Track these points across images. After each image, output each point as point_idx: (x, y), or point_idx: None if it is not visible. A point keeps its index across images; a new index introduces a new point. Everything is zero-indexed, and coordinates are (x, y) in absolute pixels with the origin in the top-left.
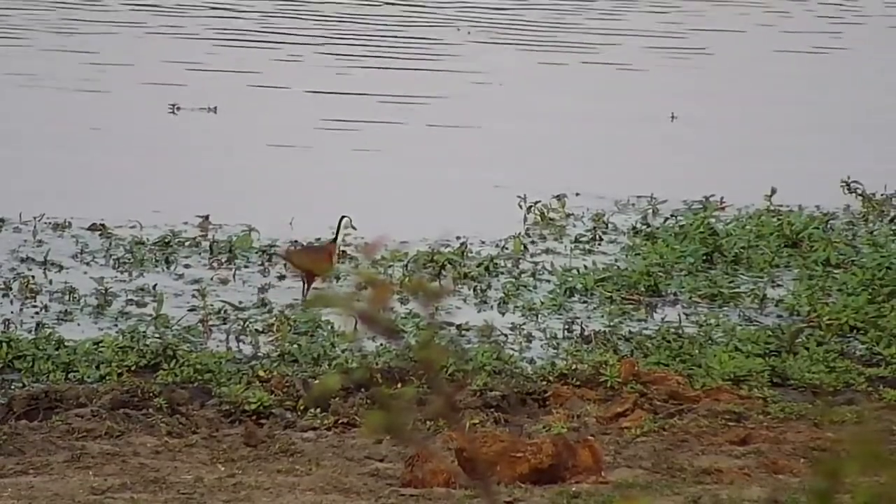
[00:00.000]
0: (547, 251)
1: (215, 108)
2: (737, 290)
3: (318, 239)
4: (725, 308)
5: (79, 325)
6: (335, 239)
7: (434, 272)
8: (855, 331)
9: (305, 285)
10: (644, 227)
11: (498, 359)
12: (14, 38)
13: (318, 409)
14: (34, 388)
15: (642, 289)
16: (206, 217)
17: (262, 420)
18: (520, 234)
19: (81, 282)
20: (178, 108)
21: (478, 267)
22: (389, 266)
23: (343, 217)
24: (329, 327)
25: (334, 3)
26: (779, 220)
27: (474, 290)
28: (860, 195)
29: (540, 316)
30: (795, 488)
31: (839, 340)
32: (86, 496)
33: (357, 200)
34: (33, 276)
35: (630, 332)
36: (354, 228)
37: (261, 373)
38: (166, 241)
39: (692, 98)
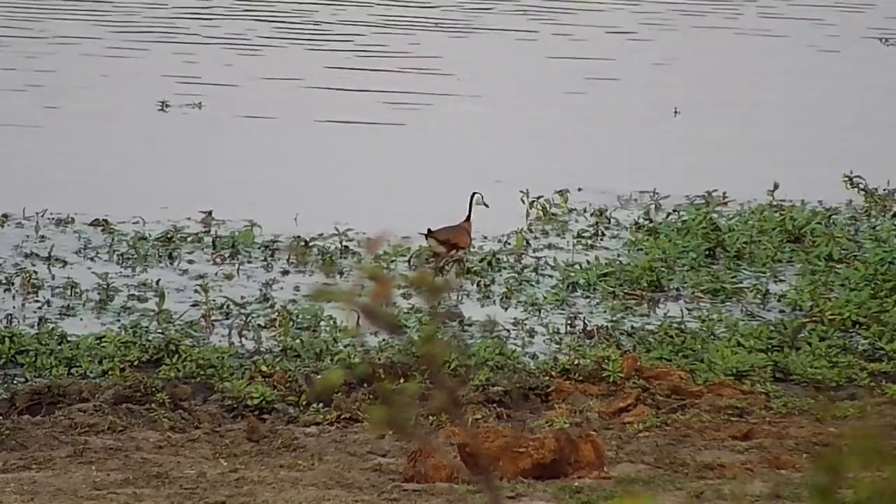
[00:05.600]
0: (549, 246)
1: (200, 103)
2: (739, 285)
3: (321, 234)
4: (728, 303)
5: (81, 320)
6: (469, 216)
7: (437, 267)
8: (857, 326)
9: (445, 259)
10: (646, 222)
11: (500, 354)
12: None
13: (321, 405)
14: (37, 383)
15: (644, 284)
16: (209, 213)
17: (265, 415)
18: (522, 229)
19: (84, 277)
20: (167, 105)
21: (480, 262)
22: (392, 261)
23: (475, 193)
24: (332, 322)
25: (321, 3)
26: (781, 215)
27: (477, 285)
28: (862, 190)
29: (542, 311)
30: (797, 483)
31: (841, 336)
32: (88, 491)
33: (359, 196)
34: (36, 272)
35: (632, 327)
36: (486, 206)
37: (263, 368)
38: (169, 236)
39: (695, 93)
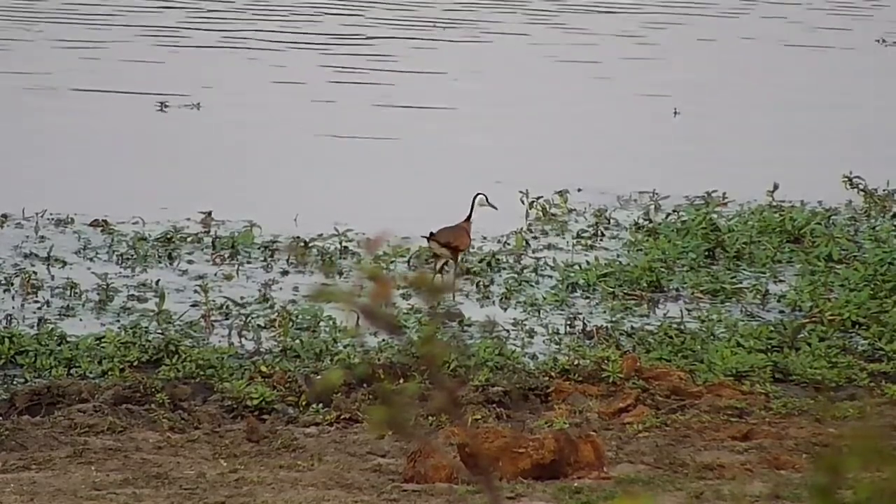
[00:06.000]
0: (549, 247)
1: (198, 104)
2: (739, 285)
3: (321, 234)
4: (727, 304)
5: (81, 320)
6: (469, 217)
7: (437, 269)
8: (857, 326)
9: (449, 262)
10: (646, 222)
11: (500, 354)
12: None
13: (321, 405)
14: (36, 383)
15: (644, 284)
16: (209, 213)
17: (265, 415)
18: (522, 229)
19: (83, 277)
20: (166, 106)
21: (480, 262)
22: (392, 261)
23: (478, 194)
24: (332, 322)
25: (317, 6)
26: (781, 215)
27: (476, 285)
28: (862, 191)
29: (542, 311)
30: (797, 484)
31: (841, 336)
32: (88, 491)
33: (358, 196)
34: (35, 272)
35: (632, 327)
36: (495, 208)
37: (263, 368)
38: (168, 236)
39: (695, 93)
